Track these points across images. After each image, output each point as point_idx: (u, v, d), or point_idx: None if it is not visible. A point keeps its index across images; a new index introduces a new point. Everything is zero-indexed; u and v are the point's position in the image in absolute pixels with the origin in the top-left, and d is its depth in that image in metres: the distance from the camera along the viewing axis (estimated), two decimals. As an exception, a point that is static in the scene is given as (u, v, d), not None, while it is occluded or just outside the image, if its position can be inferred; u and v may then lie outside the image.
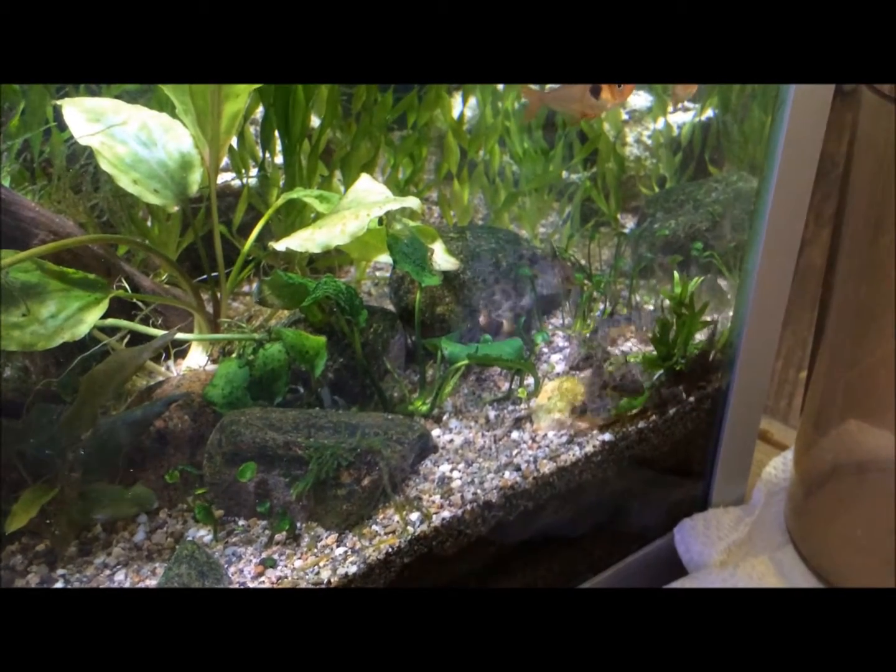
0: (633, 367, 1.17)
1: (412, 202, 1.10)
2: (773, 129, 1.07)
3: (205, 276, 1.24)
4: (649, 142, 1.75)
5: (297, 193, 1.27)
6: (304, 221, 1.39)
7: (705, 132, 1.71)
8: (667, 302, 1.18)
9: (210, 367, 1.19)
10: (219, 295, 1.25)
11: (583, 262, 1.47)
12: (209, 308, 1.25)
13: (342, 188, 1.48)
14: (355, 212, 1.11)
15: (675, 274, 1.13)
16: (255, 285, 1.39)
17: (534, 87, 1.52)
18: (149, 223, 1.40)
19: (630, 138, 1.76)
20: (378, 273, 1.56)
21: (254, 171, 1.47)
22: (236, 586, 0.93)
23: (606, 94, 1.17)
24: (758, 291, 1.14)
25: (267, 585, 0.93)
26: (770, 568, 1.23)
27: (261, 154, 1.45)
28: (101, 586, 0.93)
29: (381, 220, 1.20)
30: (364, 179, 1.19)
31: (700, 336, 1.21)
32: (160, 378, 1.17)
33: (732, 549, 1.25)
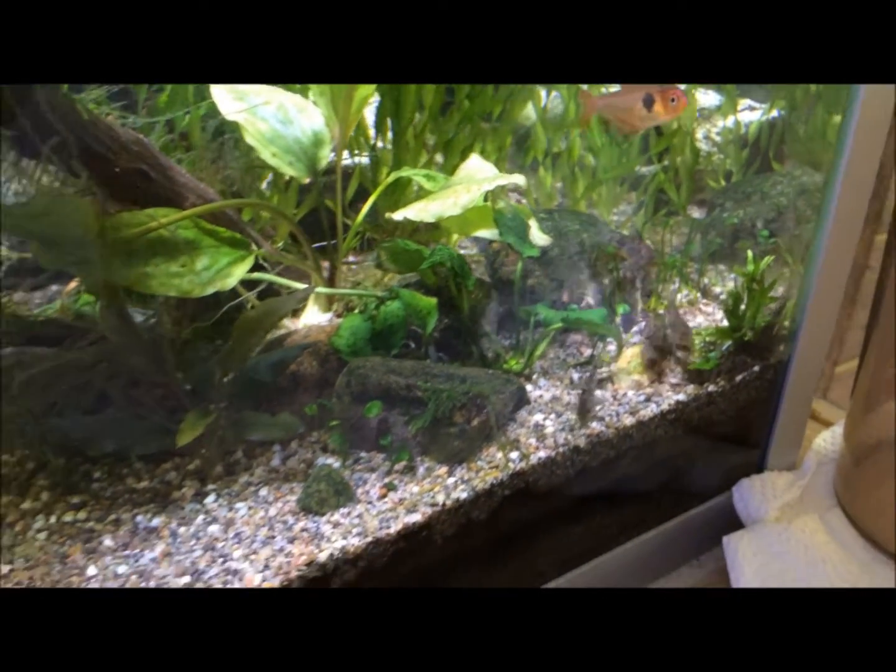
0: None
1: (519, 178, 1.23)
2: (842, 129, 1.19)
3: (322, 244, 1.39)
4: (717, 138, 1.88)
5: (407, 172, 1.41)
6: (406, 199, 1.53)
7: (771, 130, 1.83)
8: (738, 281, 1.31)
9: (331, 321, 1.34)
10: (332, 262, 1.40)
11: (654, 247, 1.60)
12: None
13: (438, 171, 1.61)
14: (467, 186, 1.24)
15: (749, 253, 1.26)
16: (361, 256, 1.54)
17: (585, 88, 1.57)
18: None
19: (699, 134, 1.89)
20: (463, 251, 1.70)
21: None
22: (362, 505, 1.07)
23: (659, 108, 1.15)
24: (821, 274, 1.27)
25: (390, 506, 1.07)
26: (820, 526, 1.36)
27: (373, 137, 1.59)
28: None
29: (485, 198, 1.33)
30: (474, 158, 1.32)
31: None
32: (285, 330, 1.32)
33: (786, 507, 1.38)
